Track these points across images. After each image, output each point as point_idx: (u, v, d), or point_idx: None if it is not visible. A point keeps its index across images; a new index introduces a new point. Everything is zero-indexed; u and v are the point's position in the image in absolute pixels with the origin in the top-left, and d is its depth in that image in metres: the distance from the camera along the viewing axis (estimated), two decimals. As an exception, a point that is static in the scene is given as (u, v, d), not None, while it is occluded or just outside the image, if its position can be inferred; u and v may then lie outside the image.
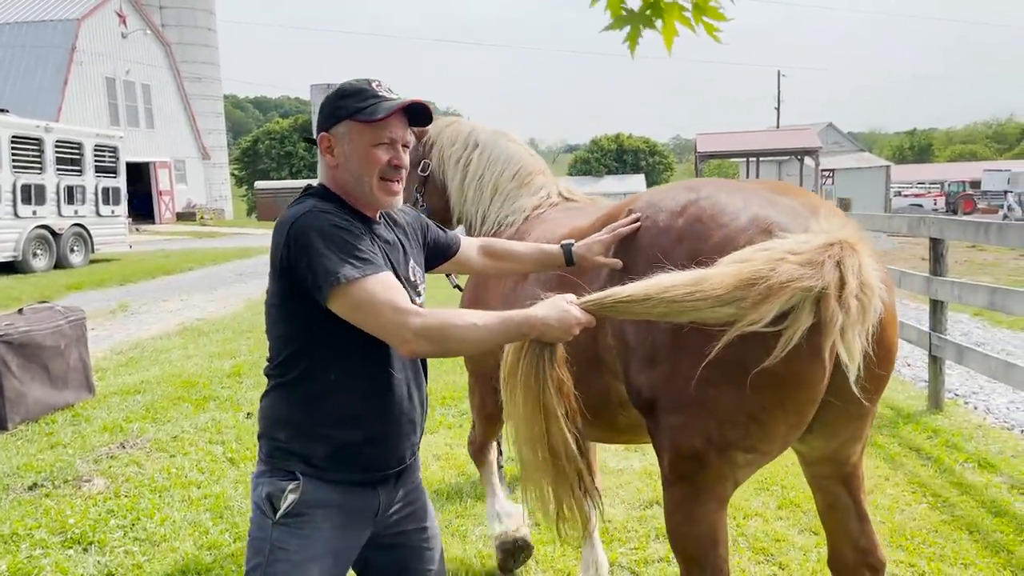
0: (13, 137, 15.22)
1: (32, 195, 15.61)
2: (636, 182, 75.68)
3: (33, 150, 15.79)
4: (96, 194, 17.43)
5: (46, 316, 5.81)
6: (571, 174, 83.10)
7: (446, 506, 4.18)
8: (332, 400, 1.88)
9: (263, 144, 66.46)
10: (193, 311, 11.05)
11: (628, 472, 4.65)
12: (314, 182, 2.02)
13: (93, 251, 17.42)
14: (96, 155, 17.57)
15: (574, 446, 2.01)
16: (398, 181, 1.96)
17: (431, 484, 4.40)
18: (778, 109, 56.42)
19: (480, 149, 3.47)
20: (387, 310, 1.73)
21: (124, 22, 34.57)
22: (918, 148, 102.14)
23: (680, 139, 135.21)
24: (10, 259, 15.12)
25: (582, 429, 2.04)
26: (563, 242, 2.38)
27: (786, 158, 45.41)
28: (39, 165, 15.89)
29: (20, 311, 5.91)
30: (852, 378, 1.81)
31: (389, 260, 1.93)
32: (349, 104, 1.90)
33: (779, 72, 56.89)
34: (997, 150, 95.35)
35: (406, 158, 1.98)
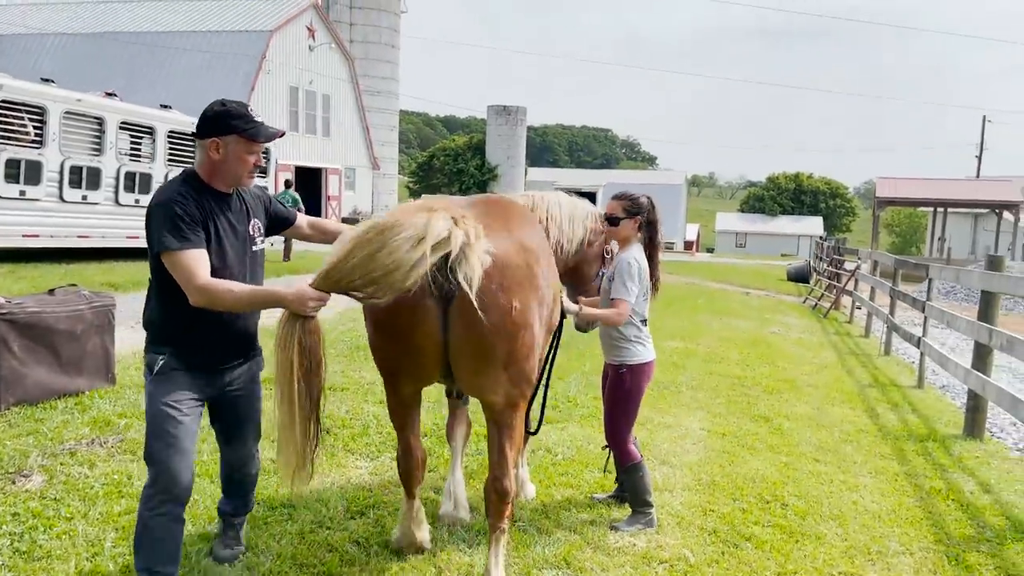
0: (170, 132, 16.18)
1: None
2: (813, 224, 71.67)
3: (189, 146, 16.72)
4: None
5: (67, 300, 5.71)
6: (742, 211, 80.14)
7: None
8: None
9: (439, 160, 68.94)
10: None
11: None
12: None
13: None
14: (250, 155, 18.39)
15: (308, 402, 2.89)
16: (253, 175, 3.17)
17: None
18: (979, 157, 51.17)
19: None
20: (185, 275, 2.86)
21: (312, 36, 36.73)
22: None
23: (872, 184, 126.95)
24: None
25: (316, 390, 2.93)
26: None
27: (983, 211, 40.91)
28: (194, 160, 16.77)
29: (51, 292, 5.86)
30: None
31: (227, 218, 3.12)
32: (238, 124, 3.03)
33: (984, 117, 51.62)
34: None
35: (261, 159, 3.19)
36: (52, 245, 14.03)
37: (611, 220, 4.19)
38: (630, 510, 4.42)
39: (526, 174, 68.70)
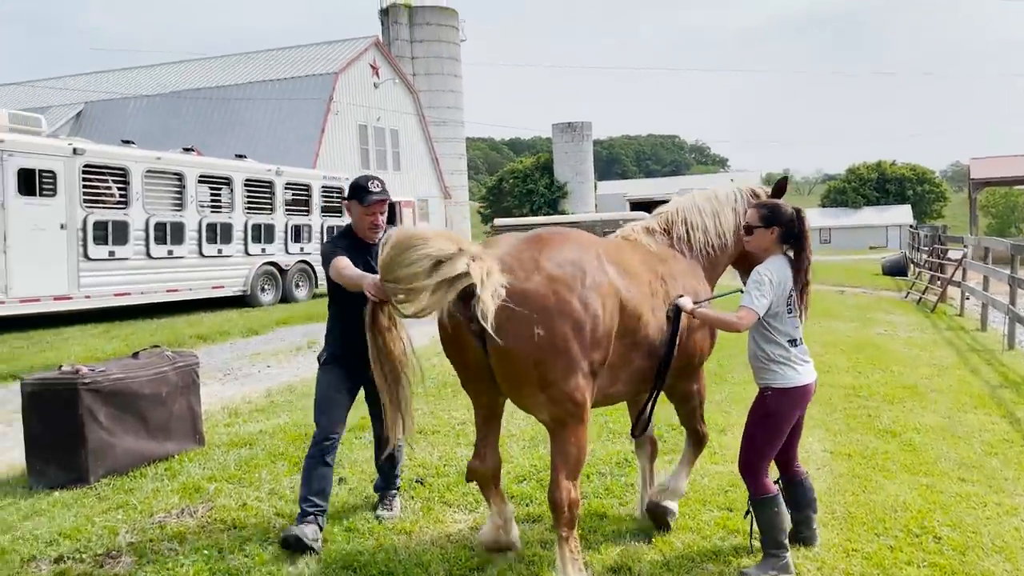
0: (246, 180, 16.45)
1: (262, 234, 16.75)
2: (901, 213, 68.49)
3: (265, 193, 16.98)
4: (321, 232, 18.40)
5: (150, 363, 5.60)
6: (823, 205, 77.30)
7: None
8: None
9: (508, 183, 69.17)
10: (371, 351, 10.87)
11: None
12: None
13: (317, 286, 18.37)
14: (323, 196, 18.59)
15: (388, 372, 3.83)
16: (376, 229, 4.41)
17: None
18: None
19: None
20: (332, 269, 4.14)
21: (376, 73, 37.34)
22: None
23: (959, 166, 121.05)
24: (240, 293, 16.27)
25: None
26: None
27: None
28: (270, 206, 17.05)
29: (135, 355, 5.77)
30: None
31: (365, 260, 4.24)
32: (356, 193, 4.34)
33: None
34: None
35: (382, 218, 4.42)
36: (143, 302, 14.36)
37: (746, 229, 3.96)
38: (761, 554, 3.95)
39: (596, 189, 68.33)
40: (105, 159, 13.71)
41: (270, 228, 17.00)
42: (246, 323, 13.56)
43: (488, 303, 3.17)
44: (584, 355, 3.44)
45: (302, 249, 17.86)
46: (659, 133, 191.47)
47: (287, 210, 17.55)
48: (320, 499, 4.31)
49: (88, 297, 13.30)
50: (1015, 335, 10.91)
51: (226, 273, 15.92)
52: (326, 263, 4.25)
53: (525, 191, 65.83)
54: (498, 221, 49.36)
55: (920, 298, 17.26)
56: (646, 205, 58.61)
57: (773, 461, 4.07)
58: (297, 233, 17.75)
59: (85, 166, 13.22)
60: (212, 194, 16.16)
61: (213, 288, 15.68)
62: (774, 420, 3.87)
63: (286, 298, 17.33)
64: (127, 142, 15.37)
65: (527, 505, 4.84)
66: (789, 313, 3.86)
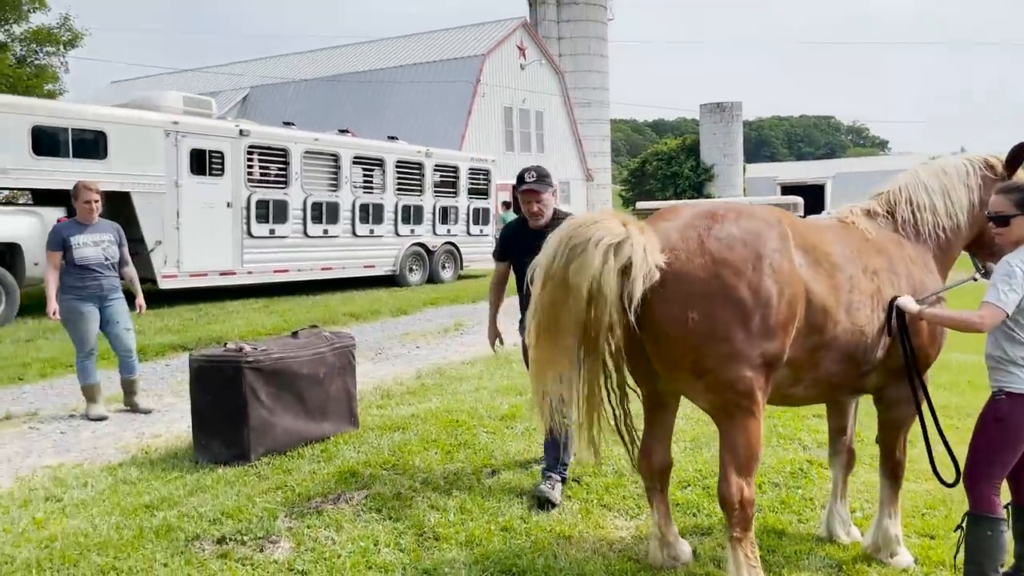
0: (398, 162, 16.71)
1: (412, 215, 16.99)
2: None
3: (415, 174, 17.20)
4: (467, 214, 18.49)
5: (309, 343, 5.60)
6: (1002, 192, 70.36)
7: None
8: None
9: (651, 165, 67.58)
10: (516, 335, 10.69)
11: None
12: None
13: (462, 268, 18.49)
14: (470, 178, 18.65)
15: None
16: (536, 216, 4.73)
17: None
18: None
19: None
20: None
21: (523, 54, 37.28)
22: None
23: None
24: (389, 273, 16.60)
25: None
26: None
27: None
28: (419, 188, 17.27)
29: (295, 334, 5.80)
30: None
31: (533, 243, 3.55)
32: (517, 183, 4.75)
33: None
34: None
35: (536, 206, 4.72)
36: (299, 279, 14.89)
37: (998, 219, 3.38)
38: None
39: (744, 171, 65.62)
40: (268, 140, 14.25)
41: (419, 209, 17.22)
42: (395, 303, 13.77)
43: (637, 285, 3.04)
44: (751, 345, 3.15)
45: (449, 231, 18.00)
46: (812, 114, 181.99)
47: (435, 192, 17.72)
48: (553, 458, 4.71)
49: (250, 273, 13.92)
50: None
51: (377, 253, 16.27)
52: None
53: (669, 174, 64.08)
54: (640, 204, 48.51)
55: None
56: (798, 189, 55.75)
57: (1008, 483, 3.51)
58: (444, 215, 17.91)
59: (249, 147, 13.79)
60: (365, 175, 16.54)
61: (364, 267, 16.06)
62: (1005, 427, 3.34)
63: (432, 279, 17.54)
64: (288, 124, 15.94)
65: (693, 515, 4.45)
66: None
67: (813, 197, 51.04)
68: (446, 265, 18.11)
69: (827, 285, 3.35)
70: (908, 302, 3.44)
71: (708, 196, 56.15)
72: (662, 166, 65.29)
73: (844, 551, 4.06)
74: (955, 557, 3.57)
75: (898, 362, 3.62)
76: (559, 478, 4.68)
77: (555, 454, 4.68)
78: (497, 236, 4.92)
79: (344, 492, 4.64)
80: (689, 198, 56.69)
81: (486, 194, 19.21)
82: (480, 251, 18.92)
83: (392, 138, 17.68)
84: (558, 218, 4.55)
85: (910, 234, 3.83)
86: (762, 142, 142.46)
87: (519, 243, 4.68)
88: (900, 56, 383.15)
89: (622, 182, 66.51)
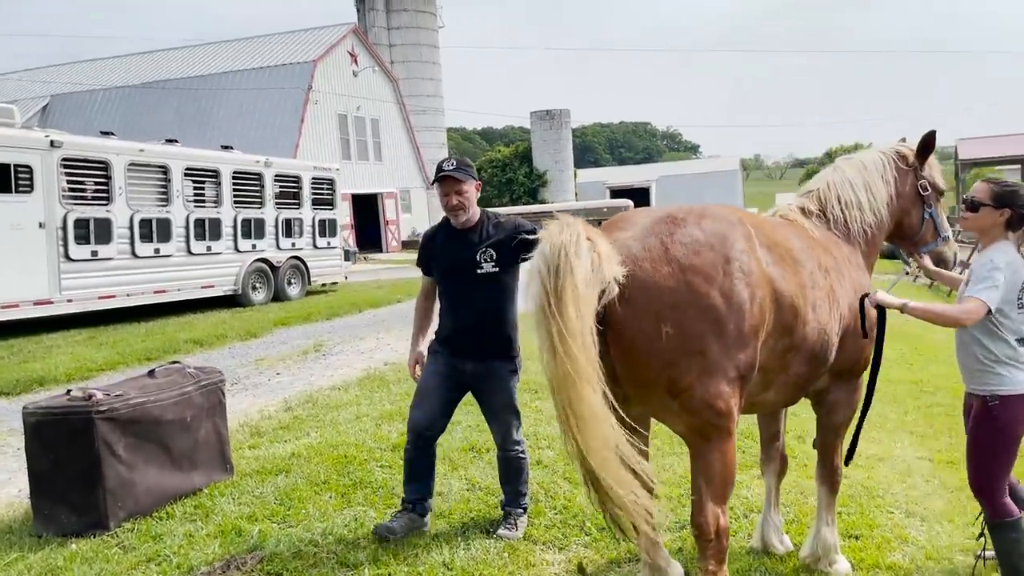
0: (235, 173, 15.54)
1: (252, 229, 15.86)
2: (880, 196, 68.21)
3: (254, 185, 16.08)
4: (313, 226, 17.54)
5: (170, 382, 4.83)
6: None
7: None
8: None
9: (486, 172, 68.11)
10: (384, 352, 10.13)
11: None
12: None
13: (309, 283, 17.51)
14: (314, 188, 17.72)
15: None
16: (457, 210, 4.07)
17: None
18: None
19: None
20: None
21: (355, 61, 36.29)
22: None
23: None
24: (231, 292, 15.39)
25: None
26: None
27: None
28: (259, 200, 16.16)
29: (151, 373, 4.99)
30: None
31: (455, 247, 4.12)
32: (435, 173, 4.14)
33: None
34: None
35: (456, 198, 4.05)
36: (129, 304, 13.44)
37: (971, 204, 3.43)
38: None
39: (576, 177, 67.54)
40: (85, 151, 12.73)
41: (260, 223, 16.09)
42: (242, 325, 12.73)
43: (585, 301, 2.73)
44: (727, 357, 2.90)
45: (293, 244, 16.97)
46: (631, 120, 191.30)
47: (277, 203, 16.65)
48: (419, 491, 4.26)
49: (70, 301, 12.36)
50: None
51: (216, 271, 15.02)
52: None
53: (504, 180, 64.76)
54: (480, 211, 48.91)
55: (916, 279, 16.68)
56: (626, 192, 58.12)
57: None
58: (288, 227, 16.86)
59: (63, 159, 12.26)
60: (197, 188, 15.21)
61: (203, 288, 14.78)
62: (1003, 431, 3.34)
63: (278, 296, 16.45)
64: (106, 133, 14.38)
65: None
66: (1020, 308, 3.32)
67: (640, 199, 53.58)
68: (292, 281, 17.06)
69: (794, 283, 3.17)
70: (887, 297, 3.34)
71: (543, 202, 57.21)
72: (497, 173, 65.85)
73: (783, 563, 3.92)
74: (982, 559, 3.66)
75: (840, 364, 3.53)
76: (522, 510, 4.35)
77: (515, 488, 4.32)
78: (421, 244, 4.39)
79: (233, 557, 3.96)
80: (525, 204, 57.56)
81: (332, 204, 18.32)
82: (329, 265, 18.01)
83: (226, 147, 16.45)
84: (490, 221, 4.15)
85: (842, 233, 3.76)
86: (586, 148, 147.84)
87: (441, 247, 4.21)
88: (707, 63, 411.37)
89: (458, 189, 66.45)
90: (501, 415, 4.22)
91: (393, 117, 39.37)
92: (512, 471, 4.29)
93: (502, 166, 66.06)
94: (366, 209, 35.43)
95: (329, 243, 18.06)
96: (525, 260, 3.71)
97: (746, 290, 2.92)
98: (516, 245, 3.93)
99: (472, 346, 4.13)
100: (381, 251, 35.74)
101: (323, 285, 18.35)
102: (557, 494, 4.82)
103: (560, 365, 2.68)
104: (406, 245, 38.15)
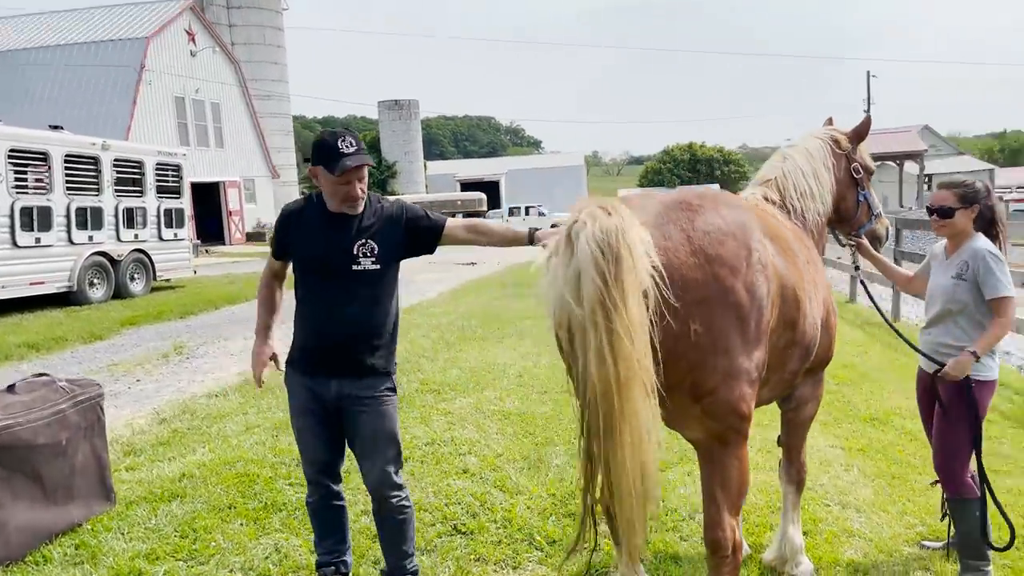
0: (67, 156, 13.92)
1: (88, 219, 14.28)
2: (712, 192, 72.63)
3: (89, 170, 14.50)
4: (158, 217, 16.08)
5: (40, 398, 4.04)
6: (641, 185, 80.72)
7: None
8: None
9: (331, 162, 65.99)
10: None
11: None
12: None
13: (155, 278, 16.04)
14: (158, 175, 16.24)
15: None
16: (356, 201, 3.10)
17: None
18: (867, 112, 52.80)
19: None
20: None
21: (193, 40, 33.94)
22: (1009, 151, 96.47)
23: (746, 147, 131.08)
24: (64, 289, 13.78)
25: None
26: (530, 226, 3.23)
27: (884, 163, 42.17)
28: (96, 186, 14.59)
29: (11, 388, 4.17)
30: None
31: (326, 234, 3.14)
32: (322, 156, 3.04)
33: (868, 72, 53.35)
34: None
35: (359, 187, 3.08)
36: (-60, 304, 11.71)
37: (943, 212, 3.53)
38: (959, 567, 3.61)
39: (426, 169, 66.92)
40: None
41: (97, 212, 14.51)
42: (83, 326, 11.39)
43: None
44: (748, 356, 2.69)
45: (136, 236, 15.45)
46: (475, 114, 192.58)
47: (117, 191, 15.09)
48: (334, 547, 3.44)
49: None
50: (899, 307, 11.23)
51: (46, 266, 13.38)
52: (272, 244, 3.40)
53: (351, 171, 63.25)
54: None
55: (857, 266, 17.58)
56: (477, 185, 58.22)
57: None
58: (130, 217, 15.32)
59: None
60: (20, 172, 13.46)
61: (31, 284, 13.12)
62: (975, 413, 3.46)
63: (119, 293, 14.93)
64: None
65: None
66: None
67: (490, 192, 53.87)
68: (135, 276, 15.53)
69: (796, 276, 3.00)
70: (965, 365, 3.39)
71: (393, 193, 56.29)
72: (343, 163, 64.10)
73: (745, 566, 3.79)
74: (947, 545, 3.80)
75: (815, 359, 3.43)
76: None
77: (401, 550, 3.37)
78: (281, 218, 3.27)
79: (142, 607, 3.34)
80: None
81: (178, 193, 16.86)
82: (176, 258, 16.58)
83: (56, 127, 14.71)
84: (371, 205, 3.20)
85: (800, 223, 3.67)
86: (431, 140, 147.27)
87: (308, 233, 3.18)
88: (552, 60, 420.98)
89: (303, 180, 64.09)
90: (377, 449, 3.18)
91: (235, 101, 37.19)
92: (395, 529, 3.31)
93: (349, 157, 64.42)
94: (207, 199, 33.27)
95: (176, 235, 16.62)
96: (413, 255, 3.27)
97: (764, 284, 2.72)
98: (404, 235, 3.19)
99: (339, 363, 3.13)
100: (224, 243, 33.71)
101: (167, 281, 16.91)
102: (495, 506, 4.48)
103: (619, 368, 2.31)
104: (251, 237, 36.21)
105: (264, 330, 3.39)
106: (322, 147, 3.04)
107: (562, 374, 8.14)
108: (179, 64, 32.73)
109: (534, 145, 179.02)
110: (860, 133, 3.96)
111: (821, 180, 3.80)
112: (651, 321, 2.44)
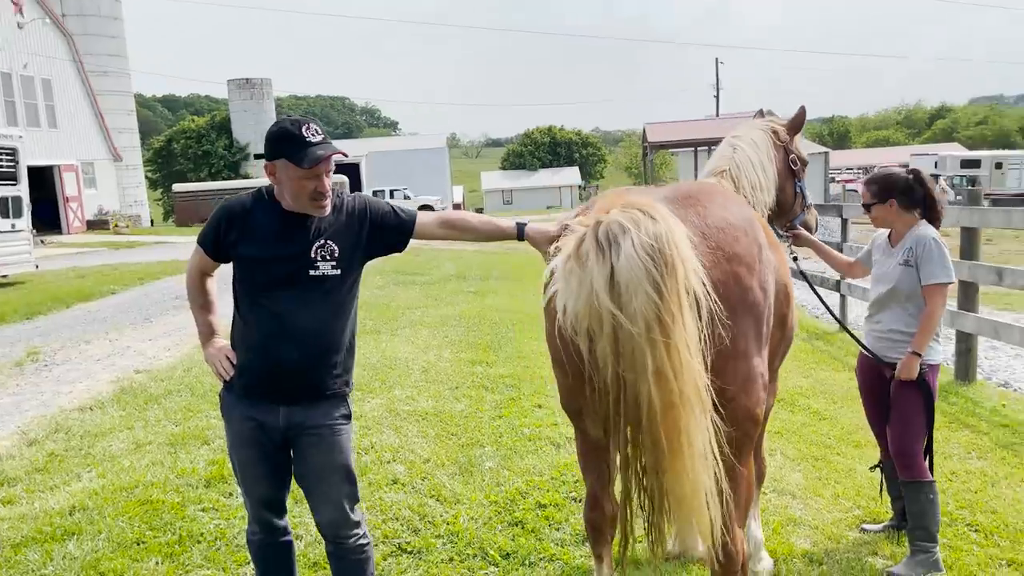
0: None
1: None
2: (571, 175, 74.34)
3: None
4: (-9, 206, 14.43)
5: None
6: (504, 167, 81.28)
7: None
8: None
9: (178, 144, 62.18)
10: (128, 357, 8.51)
11: None
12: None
13: (-10, 276, 14.42)
14: (-11, 159, 14.56)
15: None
16: (326, 198, 2.65)
17: None
18: (717, 97, 55.54)
19: None
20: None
21: (20, 11, 30.76)
22: (837, 135, 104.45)
23: (599, 131, 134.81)
24: None
25: None
26: (517, 221, 2.88)
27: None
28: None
29: None
30: None
31: (278, 236, 2.67)
32: (284, 148, 2.59)
33: (717, 59, 55.99)
34: (908, 135, 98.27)
35: (328, 181, 2.64)
36: None
37: (865, 207, 3.77)
38: (908, 550, 3.67)
39: (282, 151, 64.03)
40: None
41: (-81, 202, 12.84)
42: (-91, 332, 10.00)
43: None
44: (762, 358, 2.61)
45: (-34, 228, 13.82)
46: (328, 94, 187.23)
47: (-58, 178, 13.42)
48: None
49: None
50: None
51: None
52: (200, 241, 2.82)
53: (200, 153, 59.93)
54: (177, 187, 44.27)
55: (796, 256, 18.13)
56: (338, 168, 56.44)
57: (878, 440, 3.99)
58: (-41, 207, 13.68)
59: None
60: None
61: None
62: (929, 397, 3.60)
63: (-53, 292, 13.31)
64: None
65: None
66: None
67: (351, 174, 52.42)
68: (-35, 273, 13.90)
69: (785, 271, 2.95)
70: (912, 367, 3.53)
71: (246, 176, 53.65)
72: (191, 144, 60.61)
73: (699, 564, 3.73)
74: (888, 526, 3.99)
75: (782, 356, 3.40)
76: None
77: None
78: (215, 217, 2.76)
79: None
80: (225, 179, 53.53)
81: (15, 179, 15.19)
82: (13, 252, 14.95)
83: None
84: (338, 197, 2.79)
85: None
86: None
87: (256, 234, 2.69)
88: (410, 38, 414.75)
89: (146, 163, 59.96)
90: (330, 483, 2.79)
91: (69, 78, 34.09)
92: (353, 571, 2.90)
93: (197, 137, 60.98)
94: (40, 184, 30.34)
95: (14, 225, 14.97)
96: (380, 256, 2.87)
97: (772, 282, 2.64)
98: (369, 235, 2.80)
99: (290, 387, 2.72)
100: (61, 232, 30.96)
101: (5, 277, 15.24)
102: (435, 519, 4.21)
103: (681, 385, 2.11)
104: (92, 225, 33.48)
105: (209, 331, 2.89)
106: (283, 137, 2.60)
107: (467, 367, 7.80)
108: (4, 37, 29.56)
109: (391, 127, 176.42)
110: (796, 125, 3.99)
111: (767, 172, 3.80)
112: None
